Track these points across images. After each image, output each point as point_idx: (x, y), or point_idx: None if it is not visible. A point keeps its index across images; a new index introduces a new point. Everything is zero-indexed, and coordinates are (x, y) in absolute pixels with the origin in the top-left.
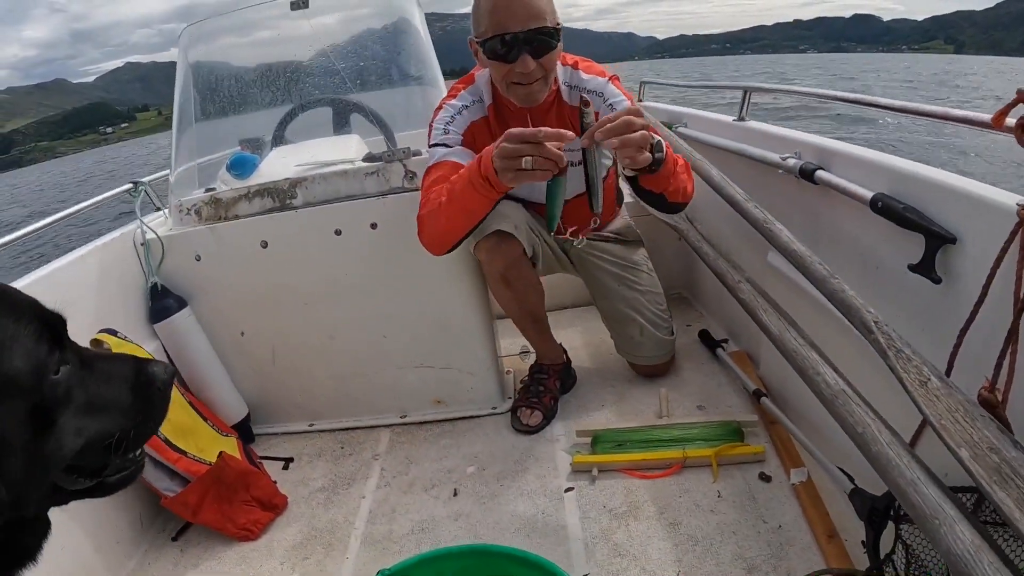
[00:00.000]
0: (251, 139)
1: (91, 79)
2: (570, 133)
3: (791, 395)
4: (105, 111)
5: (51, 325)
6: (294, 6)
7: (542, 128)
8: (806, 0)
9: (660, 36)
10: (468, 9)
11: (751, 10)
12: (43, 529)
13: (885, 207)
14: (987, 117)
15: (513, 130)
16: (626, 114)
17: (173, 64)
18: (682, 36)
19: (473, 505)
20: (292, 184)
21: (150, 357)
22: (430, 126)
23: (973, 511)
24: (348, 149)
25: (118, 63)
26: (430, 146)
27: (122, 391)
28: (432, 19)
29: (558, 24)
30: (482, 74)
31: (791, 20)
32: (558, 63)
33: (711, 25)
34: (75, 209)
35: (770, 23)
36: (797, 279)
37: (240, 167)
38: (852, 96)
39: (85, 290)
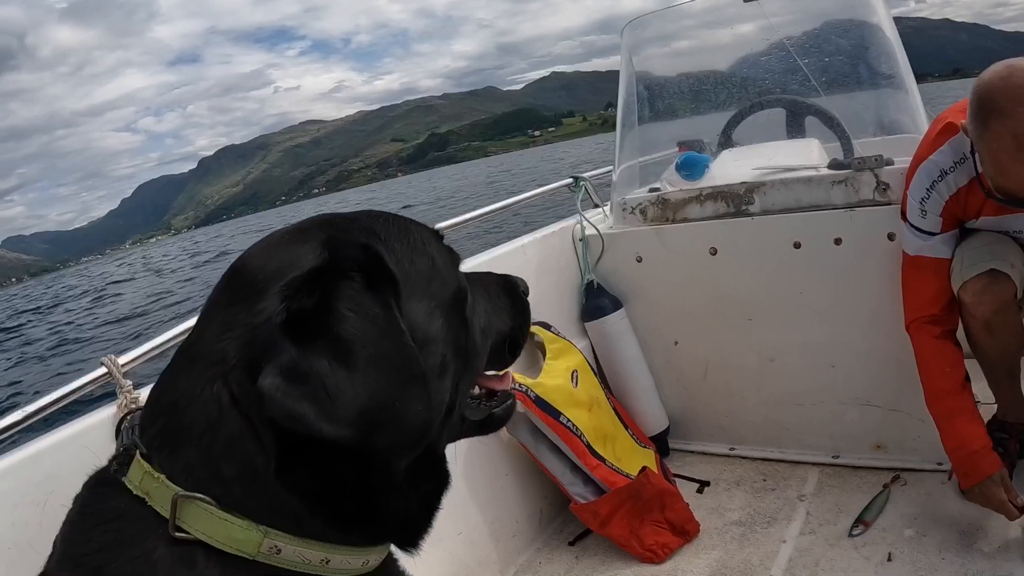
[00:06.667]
0: (690, 140)
1: (519, 87)
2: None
3: None
4: (532, 116)
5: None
6: None
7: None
8: None
9: None
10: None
11: None
12: (444, 476)
13: None
14: None
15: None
16: None
17: (595, 73)
18: None
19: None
20: (748, 189)
21: (580, 355)
22: (906, 185)
23: None
24: (809, 154)
25: (543, 72)
26: (905, 221)
27: (501, 294)
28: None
29: None
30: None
31: None
32: None
33: None
34: (517, 199)
35: None
36: None
37: (690, 168)
38: None
39: None
